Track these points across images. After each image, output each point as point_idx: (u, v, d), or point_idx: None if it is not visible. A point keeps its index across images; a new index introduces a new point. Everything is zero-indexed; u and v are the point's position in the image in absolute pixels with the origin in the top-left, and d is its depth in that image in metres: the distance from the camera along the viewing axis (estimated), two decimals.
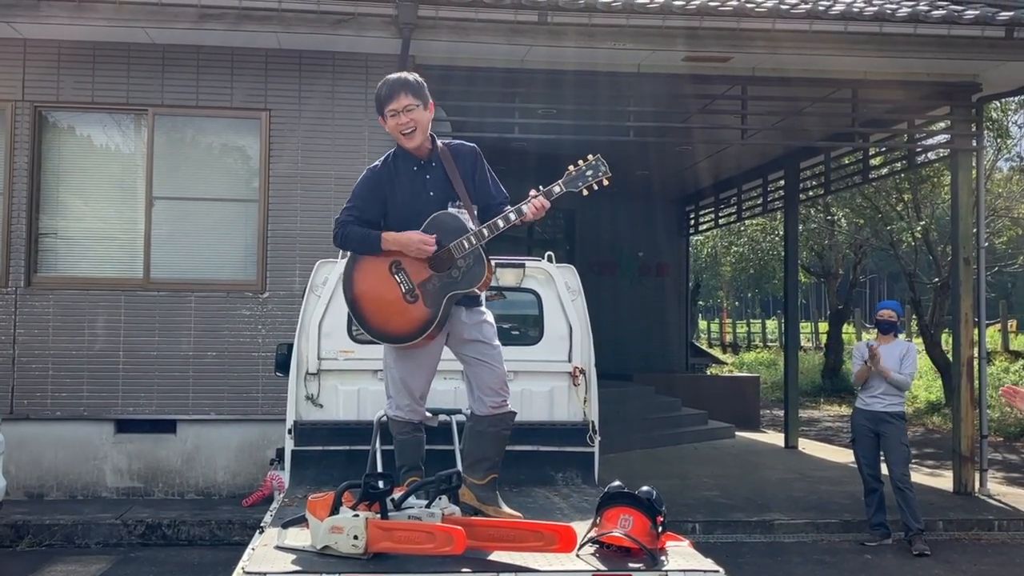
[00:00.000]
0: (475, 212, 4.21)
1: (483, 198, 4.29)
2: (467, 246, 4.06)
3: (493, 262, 4.27)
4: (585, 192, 4.16)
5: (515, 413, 4.36)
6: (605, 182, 4.17)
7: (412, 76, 4.25)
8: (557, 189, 4.15)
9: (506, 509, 4.17)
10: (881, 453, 7.80)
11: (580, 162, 4.19)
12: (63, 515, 7.78)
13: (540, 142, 9.88)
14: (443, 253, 4.09)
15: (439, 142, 4.34)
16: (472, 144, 4.40)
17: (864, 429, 7.79)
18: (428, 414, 4.60)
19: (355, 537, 3.42)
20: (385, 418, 5.00)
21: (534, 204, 4.10)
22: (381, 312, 4.16)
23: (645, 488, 3.71)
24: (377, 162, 4.36)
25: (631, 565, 3.43)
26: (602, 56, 8.77)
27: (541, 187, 4.15)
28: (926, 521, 7.82)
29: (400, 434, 4.45)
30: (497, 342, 4.34)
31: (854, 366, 8.08)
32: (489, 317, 4.37)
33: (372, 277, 4.17)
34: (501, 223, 4.08)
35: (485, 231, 4.07)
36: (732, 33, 8.52)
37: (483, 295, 4.38)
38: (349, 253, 4.32)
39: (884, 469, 7.83)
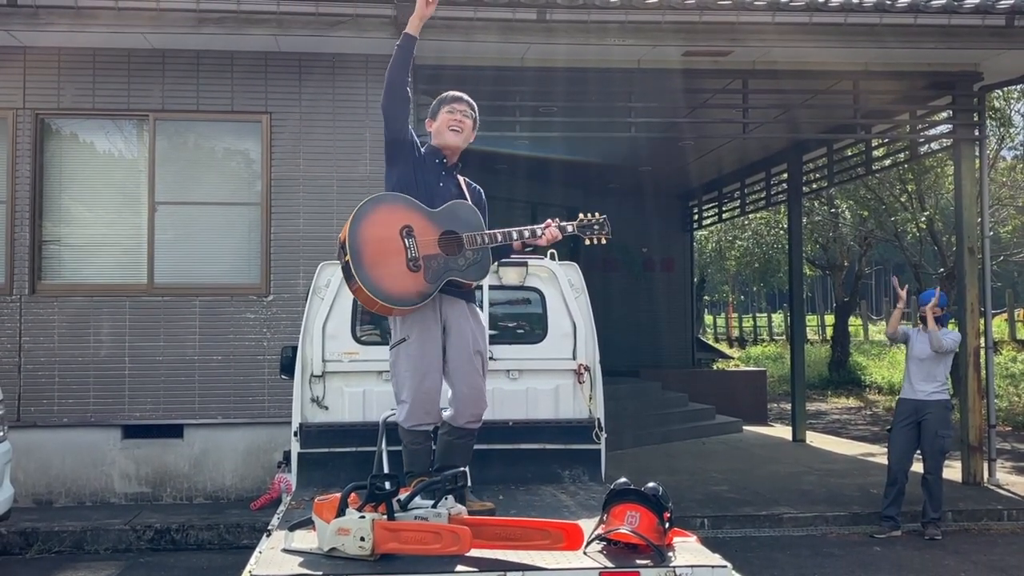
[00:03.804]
0: None
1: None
2: (479, 242, 4.29)
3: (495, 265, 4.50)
4: (588, 243, 4.50)
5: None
6: (604, 240, 4.49)
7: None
8: (570, 228, 4.46)
9: (479, 502, 4.33)
10: (917, 448, 7.83)
11: (590, 215, 4.50)
12: (72, 521, 7.79)
13: (534, 143, 9.84)
14: (455, 239, 4.25)
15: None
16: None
17: (906, 418, 7.83)
18: (442, 416, 4.55)
19: (362, 539, 3.42)
20: (391, 419, 5.01)
21: (549, 232, 4.40)
22: (380, 267, 4.13)
23: (651, 484, 3.72)
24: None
25: (638, 562, 3.42)
26: (601, 53, 8.75)
27: (558, 220, 4.47)
28: None
29: (412, 444, 4.43)
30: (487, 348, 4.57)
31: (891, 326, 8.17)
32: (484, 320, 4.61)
33: (382, 230, 4.17)
34: (515, 235, 4.37)
35: (499, 236, 4.32)
36: (731, 27, 8.50)
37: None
38: (363, 206, 4.24)
39: (911, 466, 7.87)
